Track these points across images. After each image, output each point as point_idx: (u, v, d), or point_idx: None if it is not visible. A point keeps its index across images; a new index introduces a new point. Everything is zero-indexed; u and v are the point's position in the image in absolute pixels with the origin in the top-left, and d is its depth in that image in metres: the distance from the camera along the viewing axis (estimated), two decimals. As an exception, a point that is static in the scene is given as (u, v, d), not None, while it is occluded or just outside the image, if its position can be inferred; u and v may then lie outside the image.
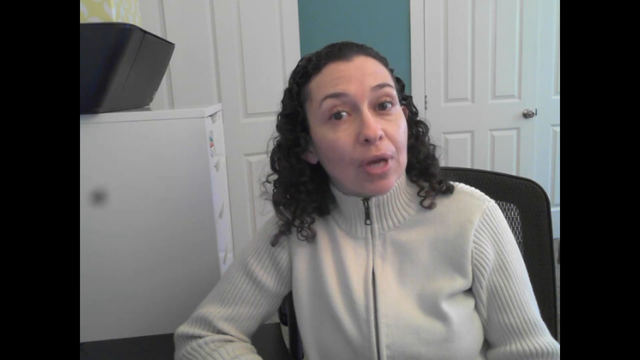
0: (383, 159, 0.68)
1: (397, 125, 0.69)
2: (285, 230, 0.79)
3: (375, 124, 0.67)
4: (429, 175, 0.76)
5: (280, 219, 0.79)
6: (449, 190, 0.76)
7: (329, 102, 0.69)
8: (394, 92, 0.71)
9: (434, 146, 0.79)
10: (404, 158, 0.71)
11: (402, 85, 0.78)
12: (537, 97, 2.74)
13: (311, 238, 0.78)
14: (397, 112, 0.71)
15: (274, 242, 0.80)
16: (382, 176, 0.69)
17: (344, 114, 0.68)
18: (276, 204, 0.78)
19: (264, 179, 0.79)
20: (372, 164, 0.68)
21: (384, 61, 0.74)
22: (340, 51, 0.71)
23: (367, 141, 0.66)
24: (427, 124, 0.80)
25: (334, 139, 0.69)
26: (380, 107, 0.69)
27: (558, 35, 2.83)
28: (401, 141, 0.70)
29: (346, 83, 0.68)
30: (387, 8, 2.51)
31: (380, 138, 0.67)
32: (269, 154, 0.79)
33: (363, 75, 0.68)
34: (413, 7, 2.53)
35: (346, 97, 0.68)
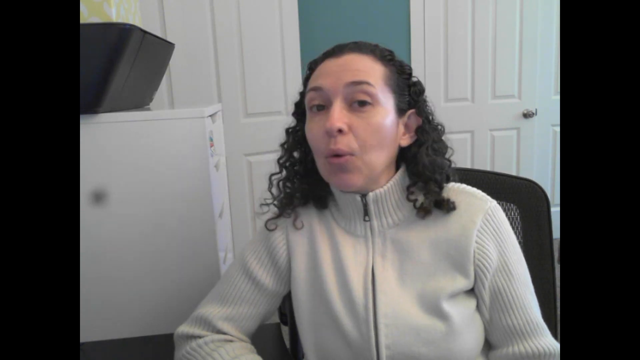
0: (340, 155, 0.69)
1: (366, 123, 0.69)
2: (275, 207, 0.81)
3: (337, 118, 0.68)
4: (426, 190, 0.73)
5: (273, 196, 0.82)
6: (452, 208, 0.73)
7: (310, 95, 0.73)
8: (374, 91, 0.69)
9: (442, 157, 0.76)
10: (371, 158, 0.70)
11: (419, 90, 0.76)
12: (537, 97, 2.74)
13: (296, 220, 0.80)
14: (375, 111, 0.69)
15: (270, 226, 0.81)
16: (342, 169, 0.70)
17: (323, 107, 0.72)
18: (270, 180, 0.82)
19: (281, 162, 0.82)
20: (332, 157, 0.70)
21: (387, 62, 0.73)
22: (337, 48, 0.74)
23: (328, 133, 0.69)
24: (440, 131, 0.77)
25: (310, 129, 0.73)
26: (358, 104, 0.70)
27: (558, 35, 2.82)
28: (367, 140, 0.69)
29: (325, 78, 0.72)
30: (387, 8, 2.51)
31: (341, 132, 0.68)
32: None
33: (342, 71, 0.71)
34: (413, 7, 2.53)
35: (321, 90, 0.71)
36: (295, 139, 0.81)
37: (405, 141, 0.75)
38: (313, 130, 0.72)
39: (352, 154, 0.69)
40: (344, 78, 0.70)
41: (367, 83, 0.70)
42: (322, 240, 0.78)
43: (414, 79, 0.76)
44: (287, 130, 0.83)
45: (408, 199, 0.74)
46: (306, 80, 0.78)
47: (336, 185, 0.74)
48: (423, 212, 0.73)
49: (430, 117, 0.77)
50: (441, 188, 0.74)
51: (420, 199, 0.74)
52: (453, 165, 0.78)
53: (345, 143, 0.68)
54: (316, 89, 0.72)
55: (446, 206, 0.73)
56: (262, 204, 0.83)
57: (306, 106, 0.76)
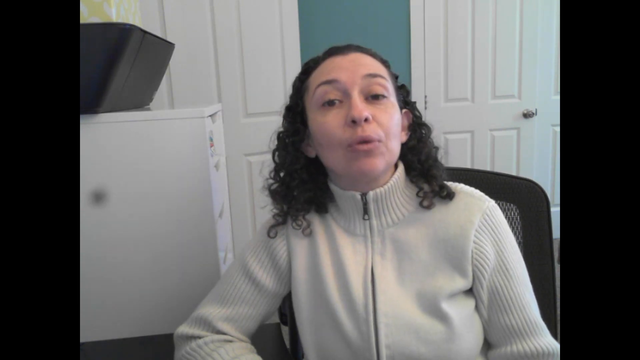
0: (369, 141, 0.69)
1: (387, 113, 0.71)
2: (279, 219, 0.80)
3: (362, 107, 0.69)
4: (430, 177, 0.75)
5: (275, 207, 0.80)
6: (449, 197, 0.75)
7: (322, 89, 0.72)
8: (387, 84, 0.73)
9: (437, 148, 0.80)
10: (393, 145, 0.72)
11: (406, 92, 0.81)
12: (537, 97, 2.74)
13: (306, 229, 0.79)
14: (390, 103, 0.73)
15: (271, 233, 0.80)
16: (369, 153, 0.69)
17: (336, 101, 0.71)
18: (272, 193, 0.80)
19: (266, 175, 0.80)
20: (359, 144, 0.69)
21: (384, 63, 0.77)
22: (339, 48, 0.75)
23: (354, 122, 0.68)
24: (431, 127, 0.81)
25: (323, 122, 0.72)
26: (373, 97, 0.71)
27: (558, 35, 2.82)
28: (390, 127, 0.71)
29: (339, 71, 0.72)
30: (387, 8, 2.51)
31: (367, 120, 0.69)
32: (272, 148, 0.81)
33: (355, 65, 0.72)
34: (413, 7, 2.53)
35: (337, 83, 0.71)
36: (292, 143, 0.77)
37: (403, 138, 0.78)
38: (330, 122, 0.71)
39: (380, 140, 0.70)
40: (360, 71, 0.71)
41: (382, 76, 0.73)
42: (322, 240, 0.78)
43: (399, 84, 0.80)
44: (278, 135, 0.80)
45: (417, 185, 0.76)
46: (302, 81, 0.77)
47: (357, 172, 0.71)
48: (428, 200, 0.74)
49: (418, 112, 0.81)
50: (442, 173, 0.77)
51: (425, 187, 0.76)
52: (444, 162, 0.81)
53: (373, 130, 0.69)
54: (330, 81, 0.72)
55: (447, 192, 0.75)
56: (274, 215, 0.80)
57: (312, 103, 0.74)
